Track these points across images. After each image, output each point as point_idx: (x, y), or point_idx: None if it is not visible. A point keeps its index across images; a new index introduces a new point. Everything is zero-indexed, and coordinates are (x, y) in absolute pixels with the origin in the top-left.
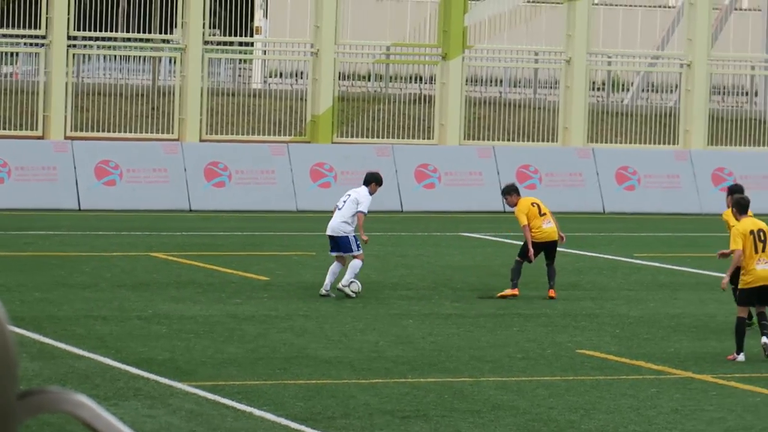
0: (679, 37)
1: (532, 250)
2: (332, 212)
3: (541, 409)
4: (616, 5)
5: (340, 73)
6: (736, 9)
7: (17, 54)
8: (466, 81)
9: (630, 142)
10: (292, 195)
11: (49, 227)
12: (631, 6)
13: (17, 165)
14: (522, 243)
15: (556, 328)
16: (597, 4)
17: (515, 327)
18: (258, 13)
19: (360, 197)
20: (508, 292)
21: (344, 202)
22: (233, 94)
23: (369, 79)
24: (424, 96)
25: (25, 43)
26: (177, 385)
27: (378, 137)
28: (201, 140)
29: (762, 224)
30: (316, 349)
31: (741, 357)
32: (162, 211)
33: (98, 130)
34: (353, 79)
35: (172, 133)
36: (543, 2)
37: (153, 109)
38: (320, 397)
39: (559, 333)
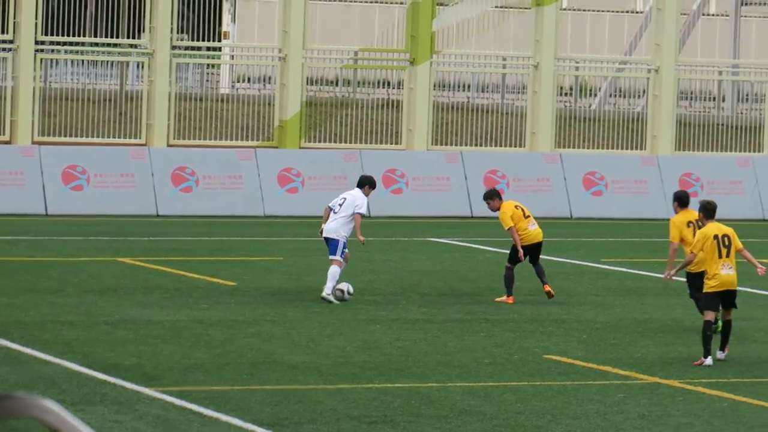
0: (646, 43)
1: (521, 251)
2: (322, 216)
3: (508, 415)
4: (584, 11)
5: (307, 78)
6: (703, 14)
7: None
8: (434, 86)
9: (597, 148)
10: (260, 200)
11: (17, 232)
12: (598, 11)
13: None
14: (510, 248)
15: (523, 334)
16: (565, 10)
17: (482, 332)
18: (226, 18)
19: (357, 199)
20: (504, 299)
21: (339, 205)
22: (201, 99)
23: (337, 84)
24: (392, 101)
25: None
26: (144, 391)
27: (346, 142)
28: (168, 145)
29: (727, 230)
30: (283, 354)
31: (708, 361)
32: (129, 216)
33: (66, 135)
34: (321, 84)
35: (140, 138)
36: (511, 8)
37: (120, 114)
38: (287, 403)
39: (527, 338)
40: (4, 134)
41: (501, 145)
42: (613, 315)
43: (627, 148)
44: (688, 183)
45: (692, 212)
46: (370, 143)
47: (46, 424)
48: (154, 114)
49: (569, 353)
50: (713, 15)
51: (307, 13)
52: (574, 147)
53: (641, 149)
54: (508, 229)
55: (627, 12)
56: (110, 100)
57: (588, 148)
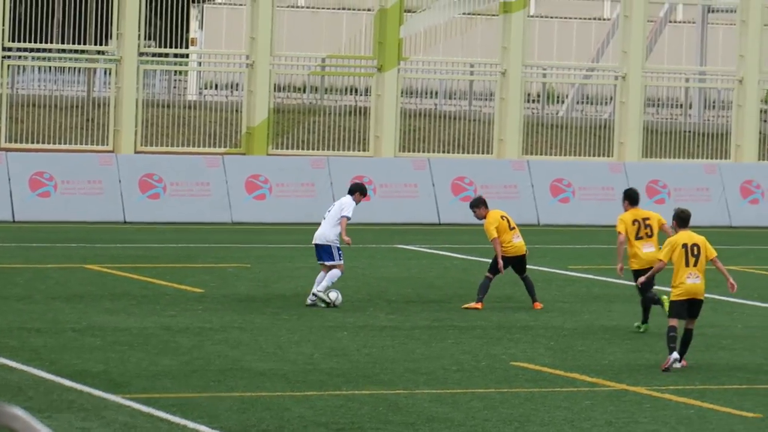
0: (613, 50)
1: (501, 263)
2: (319, 223)
3: (475, 422)
4: (552, 18)
5: (275, 84)
6: (670, 21)
7: None
8: (402, 93)
9: (565, 155)
10: (227, 207)
11: None
12: (566, 18)
13: None
14: (492, 258)
15: (490, 341)
16: (532, 17)
17: (450, 339)
18: (193, 25)
19: (344, 205)
20: (472, 305)
21: (329, 211)
22: (168, 106)
23: (304, 91)
24: (360, 108)
25: None
26: (111, 398)
27: (313, 149)
28: (136, 152)
29: (698, 239)
30: (251, 361)
31: (674, 355)
32: (97, 222)
33: (33, 142)
34: (289, 91)
35: (107, 144)
36: (478, 14)
37: (88, 120)
38: (255, 410)
39: (494, 345)
40: None
41: (468, 152)
42: (581, 322)
43: (594, 155)
44: (655, 190)
45: (641, 210)
46: (338, 150)
47: (13, 431)
48: (121, 121)
49: (536, 360)
50: (680, 22)
51: (274, 20)
52: (541, 154)
53: (608, 156)
54: (492, 240)
55: (594, 19)
56: (77, 106)
57: (555, 155)
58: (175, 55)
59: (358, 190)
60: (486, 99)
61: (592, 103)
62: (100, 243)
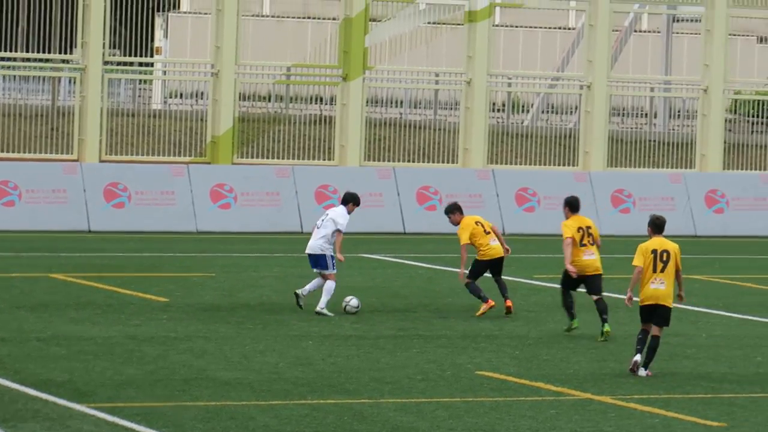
0: (579, 59)
1: (462, 271)
2: (310, 233)
3: (440, 431)
4: (517, 27)
5: (240, 93)
6: (635, 31)
7: None
8: (367, 102)
9: (530, 164)
10: (192, 216)
11: None
12: (531, 28)
13: None
14: (472, 263)
15: (455, 350)
16: (497, 26)
17: (415, 348)
18: (158, 34)
19: (337, 216)
20: (484, 308)
21: (322, 221)
22: (133, 115)
23: (269, 100)
24: (325, 117)
25: None
26: (76, 407)
27: (278, 158)
28: (101, 161)
29: (670, 246)
30: (216, 370)
31: (637, 357)
32: (61, 232)
33: None
34: (254, 100)
35: (72, 153)
36: (444, 24)
37: (52, 129)
38: (220, 419)
39: (459, 354)
40: None
41: (433, 161)
42: (546, 331)
43: (559, 165)
44: (620, 199)
45: (582, 218)
46: (303, 159)
47: None
48: (86, 129)
49: (502, 369)
50: (645, 31)
51: (239, 29)
52: (506, 163)
53: (573, 165)
54: (462, 245)
55: (559, 28)
56: (42, 115)
57: (520, 164)
58: (140, 64)
59: (351, 201)
60: (451, 108)
61: (557, 113)
62: (65, 252)
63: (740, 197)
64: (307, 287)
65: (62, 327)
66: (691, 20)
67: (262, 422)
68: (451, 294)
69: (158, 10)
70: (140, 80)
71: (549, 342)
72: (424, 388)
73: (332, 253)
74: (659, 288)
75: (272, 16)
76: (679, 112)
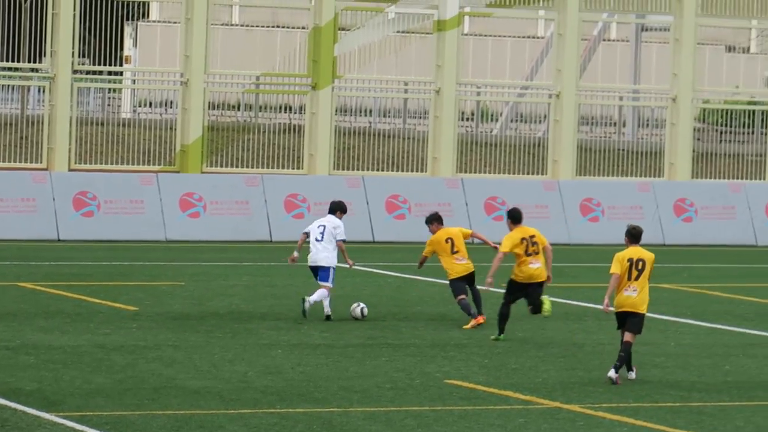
0: (547, 68)
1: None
2: (298, 241)
3: None
4: (486, 36)
5: (209, 102)
6: (604, 40)
7: None
8: (336, 111)
9: (499, 173)
10: (162, 225)
11: None
12: (500, 37)
13: None
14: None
15: (424, 358)
16: (466, 35)
17: (384, 357)
18: (127, 42)
19: (337, 227)
20: (473, 323)
21: (321, 233)
22: (102, 124)
23: (239, 109)
24: (294, 126)
25: None
26: (44, 416)
27: (248, 167)
28: (70, 169)
29: (646, 255)
30: (185, 379)
31: (610, 373)
32: (30, 240)
33: None
34: (223, 109)
35: (41, 162)
36: (413, 33)
37: (21, 138)
38: (189, 428)
39: (428, 363)
40: None
41: (402, 170)
42: (515, 340)
43: (528, 173)
44: (589, 208)
45: (526, 228)
46: (272, 168)
47: None
48: (55, 138)
49: (470, 378)
50: (614, 40)
51: (208, 38)
52: (475, 172)
53: (542, 174)
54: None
55: (528, 37)
56: (11, 124)
57: (489, 173)
58: (109, 73)
59: (339, 209)
60: (420, 117)
61: (526, 122)
62: (34, 261)
63: (708, 206)
64: (314, 297)
65: (31, 336)
66: (660, 29)
67: (231, 431)
68: (420, 303)
69: (127, 19)
70: (109, 89)
71: (518, 351)
72: (392, 397)
73: (335, 266)
74: (632, 295)
75: (241, 25)
76: (647, 121)
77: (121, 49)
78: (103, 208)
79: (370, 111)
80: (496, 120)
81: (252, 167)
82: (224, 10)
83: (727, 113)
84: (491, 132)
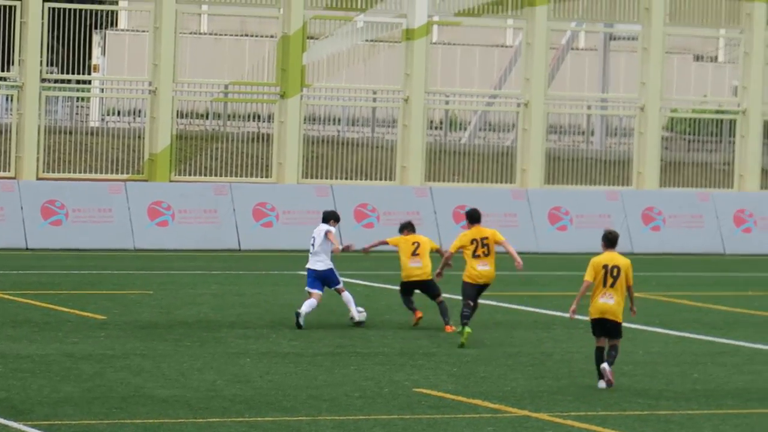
0: (516, 77)
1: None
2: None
3: None
4: (454, 44)
5: (178, 111)
6: (572, 49)
7: None
8: (305, 119)
9: (467, 181)
10: (130, 233)
11: None
12: (468, 45)
13: None
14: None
15: (393, 367)
16: (435, 44)
17: (353, 365)
18: (96, 51)
19: (322, 230)
20: (415, 319)
21: (312, 245)
22: (71, 132)
23: (207, 118)
24: (263, 134)
25: None
26: (12, 425)
27: (216, 175)
28: (38, 178)
29: (621, 261)
30: (153, 388)
31: (603, 365)
32: None
33: None
34: (191, 118)
35: (9, 171)
36: (381, 41)
37: None
38: None
39: (397, 371)
40: None
41: (371, 179)
42: (483, 348)
43: (497, 182)
44: (557, 216)
45: (481, 229)
46: (241, 176)
47: None
48: (23, 147)
49: (439, 386)
50: (582, 49)
51: (177, 47)
52: (444, 181)
53: (511, 183)
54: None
55: (497, 46)
56: None
57: (458, 181)
58: (78, 82)
59: (332, 218)
60: (389, 126)
61: (494, 130)
62: (2, 269)
63: (677, 215)
64: (304, 308)
65: None
66: (628, 38)
67: None
68: (388, 311)
69: (96, 28)
70: (78, 98)
71: (486, 359)
72: (361, 406)
73: (332, 267)
74: (607, 302)
75: (210, 34)
76: (616, 129)
77: (90, 57)
78: (71, 216)
79: (339, 120)
80: (465, 129)
81: (220, 176)
82: (193, 19)
83: (695, 122)
84: (460, 141)
